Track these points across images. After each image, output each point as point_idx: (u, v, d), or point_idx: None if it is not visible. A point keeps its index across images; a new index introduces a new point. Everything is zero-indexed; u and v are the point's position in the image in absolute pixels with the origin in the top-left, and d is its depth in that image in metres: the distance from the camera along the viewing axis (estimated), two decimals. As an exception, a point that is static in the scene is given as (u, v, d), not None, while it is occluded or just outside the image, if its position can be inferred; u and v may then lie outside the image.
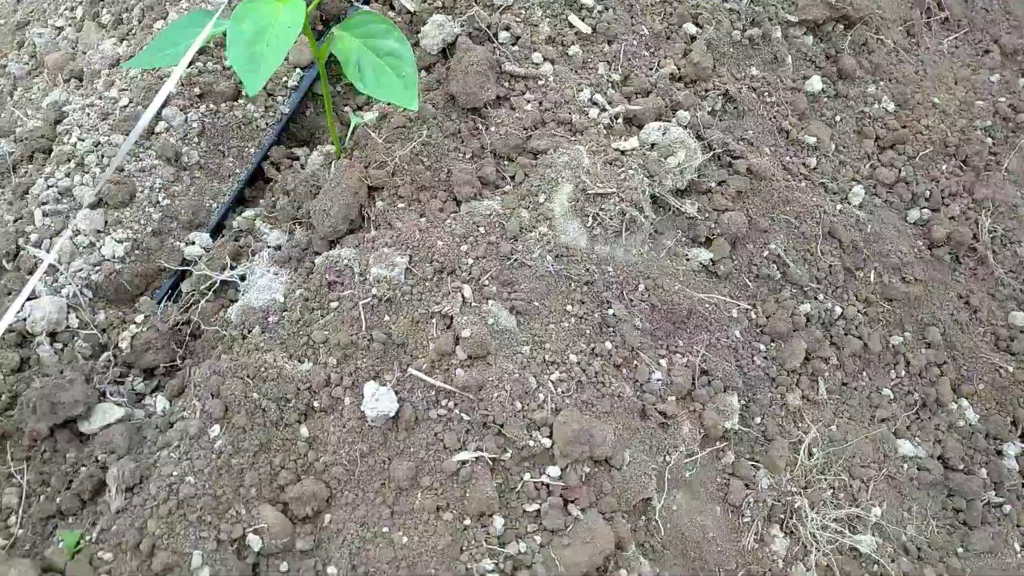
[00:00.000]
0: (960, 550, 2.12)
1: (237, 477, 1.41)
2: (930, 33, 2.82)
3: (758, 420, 2.00)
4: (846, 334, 2.21)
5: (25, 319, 1.51)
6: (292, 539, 1.41)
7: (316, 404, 1.50)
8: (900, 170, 2.41)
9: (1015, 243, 2.55)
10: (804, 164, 2.28)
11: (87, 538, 1.35)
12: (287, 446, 1.47)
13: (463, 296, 1.60)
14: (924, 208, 2.42)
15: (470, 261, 1.64)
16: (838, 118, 2.40)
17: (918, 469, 2.17)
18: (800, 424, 2.05)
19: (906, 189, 2.41)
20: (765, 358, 2.06)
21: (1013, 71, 2.91)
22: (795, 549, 1.93)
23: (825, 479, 2.02)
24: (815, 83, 2.33)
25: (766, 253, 2.11)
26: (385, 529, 1.45)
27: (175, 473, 1.38)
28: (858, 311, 2.24)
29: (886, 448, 2.16)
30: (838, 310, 2.20)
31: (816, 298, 2.17)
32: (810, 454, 2.00)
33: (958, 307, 2.43)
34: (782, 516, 1.94)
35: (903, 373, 2.29)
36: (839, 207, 2.25)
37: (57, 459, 1.44)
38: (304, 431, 1.49)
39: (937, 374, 2.32)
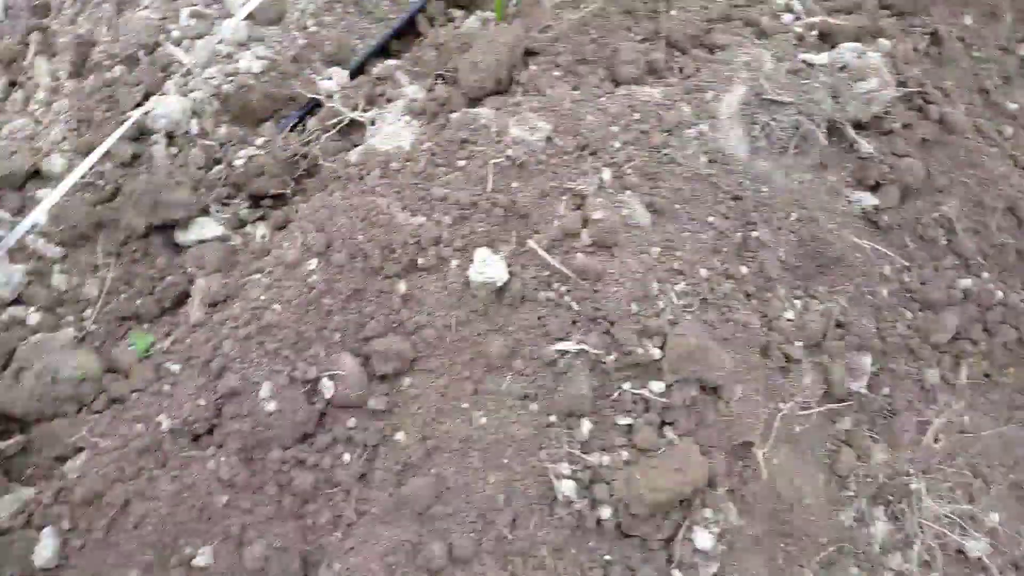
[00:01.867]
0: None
1: (324, 318, 1.18)
2: None
3: (887, 391, 1.64)
4: (1002, 322, 1.78)
5: (147, 114, 1.31)
6: (366, 395, 1.18)
7: (421, 261, 1.25)
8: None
9: None
10: (999, 131, 1.85)
11: (158, 346, 1.15)
12: (381, 298, 1.23)
13: (602, 179, 1.32)
14: None
15: (617, 144, 1.35)
16: (1048, 89, 1.92)
17: None
18: (933, 406, 1.67)
19: (1104, 179, 1.92)
20: (909, 327, 1.68)
21: None
22: (897, 536, 1.59)
23: (947, 470, 1.64)
24: (1031, 46, 1.86)
25: (936, 214, 1.72)
26: (465, 405, 1.20)
27: (263, 298, 1.16)
28: (1022, 300, 1.80)
29: (1018, 451, 1.74)
30: (999, 294, 1.78)
31: (979, 275, 1.76)
32: (936, 439, 1.63)
33: None
34: (890, 498, 1.59)
35: None
36: (1026, 182, 1.81)
37: (146, 262, 1.25)
38: (402, 286, 1.24)
39: None
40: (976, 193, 1.75)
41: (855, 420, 1.63)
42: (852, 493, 1.58)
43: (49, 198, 1.17)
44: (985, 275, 1.79)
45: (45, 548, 1.05)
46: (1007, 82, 1.87)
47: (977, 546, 1.65)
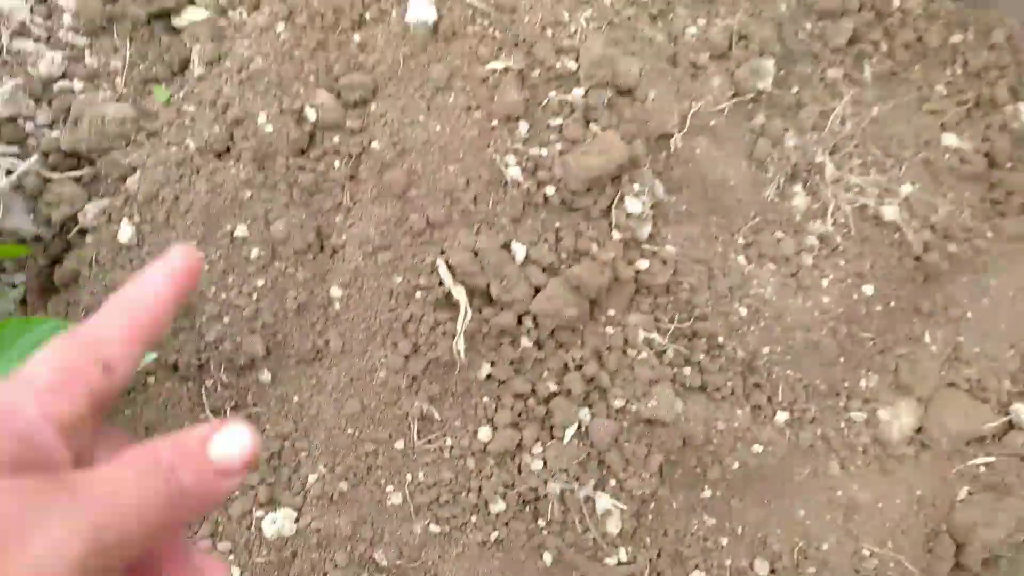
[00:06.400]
0: (989, 234, 2.08)
1: (298, 65, 1.57)
2: None
3: (795, 89, 1.99)
4: (902, 25, 2.11)
5: None
6: (343, 118, 1.57)
7: (368, 15, 1.62)
8: None
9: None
10: None
11: (175, 96, 1.55)
12: (341, 47, 1.61)
13: (505, -72, 1.65)
14: None
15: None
16: None
17: (960, 161, 2.09)
18: (838, 99, 2.02)
19: None
20: (810, 35, 2.02)
21: None
22: (815, 207, 1.96)
23: (855, 150, 2.00)
24: None
25: None
26: (421, 118, 1.59)
27: (246, 55, 1.55)
28: (918, 3, 2.12)
29: (928, 136, 2.09)
30: (896, 2, 2.09)
31: None
32: (843, 122, 1.98)
33: None
34: (805, 175, 1.96)
35: (959, 72, 2.16)
36: None
37: (153, 41, 1.64)
38: (357, 37, 1.62)
39: (997, 75, 2.18)
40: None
41: (767, 115, 1.97)
42: (771, 175, 1.93)
43: (66, 3, 1.58)
44: (878, -14, 2.11)
45: (124, 233, 1.49)
46: None
47: (890, 210, 2.03)
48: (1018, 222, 2.07)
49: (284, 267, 1.50)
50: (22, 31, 1.56)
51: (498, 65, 1.62)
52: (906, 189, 2.02)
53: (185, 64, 1.60)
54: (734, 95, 1.89)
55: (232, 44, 1.56)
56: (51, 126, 1.56)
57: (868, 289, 1.94)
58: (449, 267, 1.50)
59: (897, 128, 2.07)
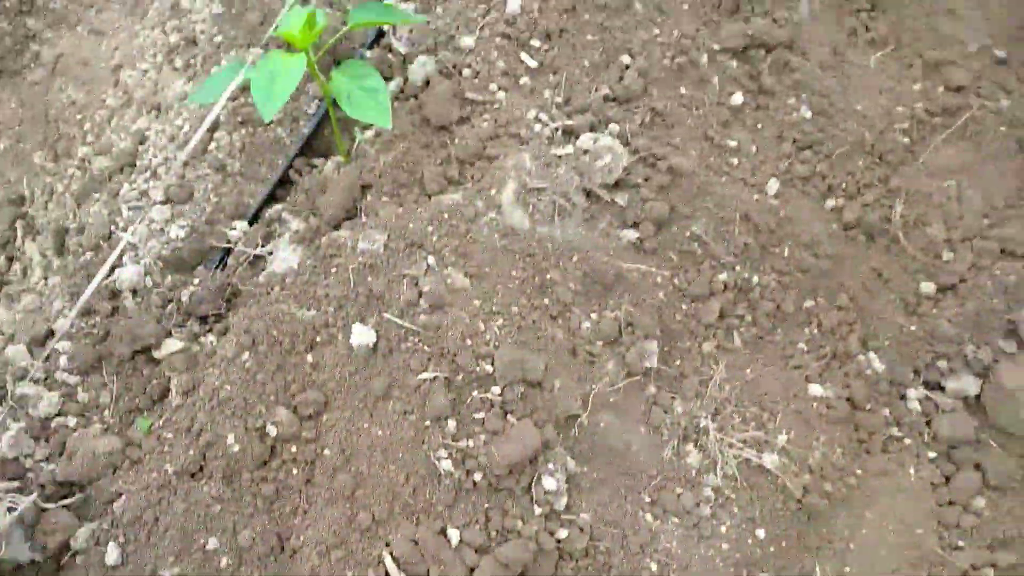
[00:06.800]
0: (859, 471, 2.40)
1: (260, 387, 1.87)
2: (857, 51, 3.10)
3: (678, 362, 2.36)
4: (761, 298, 2.51)
5: (114, 280, 2.03)
6: (299, 430, 1.87)
7: (318, 339, 1.96)
8: (816, 166, 2.71)
9: (926, 225, 2.79)
10: (726, 163, 2.60)
11: (155, 424, 1.83)
12: (297, 368, 1.93)
13: (428, 263, 2.04)
14: (840, 197, 2.68)
15: (435, 238, 2.08)
16: (759, 126, 2.71)
17: (827, 407, 2.42)
18: (715, 367, 2.40)
19: (822, 182, 2.70)
20: (686, 316, 2.41)
21: (934, 81, 3.14)
22: (706, 462, 2.28)
23: (735, 409, 2.35)
24: (738, 98, 2.67)
25: (688, 234, 2.42)
26: (366, 425, 1.89)
27: (217, 383, 1.85)
28: (773, 279, 2.52)
29: (796, 389, 2.43)
30: (755, 279, 2.50)
31: (734, 269, 2.46)
32: (721, 386, 2.35)
33: (870, 278, 2.62)
34: (695, 436, 2.29)
35: (815, 331, 2.53)
36: (755, 197, 2.59)
37: (137, 374, 1.94)
38: (309, 358, 1.95)
39: (847, 331, 2.57)
40: (716, 213, 2.49)
41: (657, 387, 2.31)
42: (666, 438, 2.25)
43: (60, 344, 1.88)
44: (738, 268, 2.54)
45: (111, 555, 1.70)
46: (726, 127, 2.68)
47: (771, 459, 2.35)
48: (882, 459, 2.41)
49: (250, 572, 1.73)
50: (24, 375, 1.86)
51: (427, 375, 1.95)
52: (782, 439, 2.35)
53: (164, 393, 1.90)
54: (627, 375, 2.25)
55: (204, 373, 1.87)
56: (48, 459, 1.81)
57: (760, 532, 2.23)
58: (394, 559, 1.75)
59: (768, 385, 2.43)
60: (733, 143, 2.60)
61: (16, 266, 2.38)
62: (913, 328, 2.58)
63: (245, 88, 2.37)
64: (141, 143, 2.35)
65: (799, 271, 2.55)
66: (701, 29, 2.66)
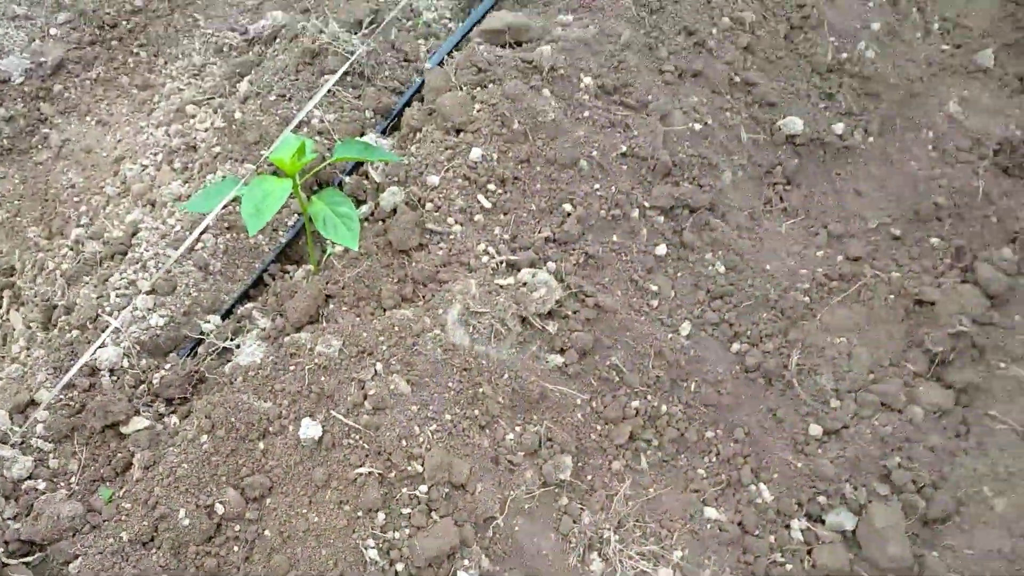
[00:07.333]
0: (745, 591, 2.67)
1: (214, 468, 2.11)
2: (771, 218, 3.54)
3: (589, 477, 2.64)
4: (668, 425, 2.82)
5: (96, 359, 2.26)
6: (244, 510, 2.09)
7: (271, 429, 2.21)
8: (725, 314, 3.08)
9: (818, 375, 3.16)
10: (647, 305, 2.95)
11: (116, 495, 2.04)
12: (249, 453, 2.17)
13: (376, 369, 2.33)
14: (744, 343, 3.05)
15: (384, 348, 2.37)
16: (678, 275, 3.07)
17: (720, 530, 2.68)
18: (621, 483, 2.69)
19: (729, 328, 3.06)
20: (600, 435, 2.71)
21: (835, 249, 3.55)
22: (608, 571, 2.53)
23: (636, 524, 2.63)
24: (662, 249, 3.05)
25: (608, 363, 2.73)
26: (304, 511, 2.13)
27: (175, 461, 2.08)
28: (679, 410, 2.84)
29: (693, 510, 2.71)
30: (663, 408, 2.81)
31: (645, 397, 2.78)
32: (625, 502, 2.63)
33: (766, 417, 2.94)
34: (599, 545, 2.56)
35: (714, 460, 2.82)
36: (670, 336, 2.94)
37: (104, 447, 2.16)
38: (261, 445, 2.19)
39: (742, 462, 2.88)
40: (633, 347, 2.82)
41: (569, 498, 2.59)
42: (573, 545, 2.50)
43: (40, 416, 2.09)
44: (649, 397, 2.86)
45: None
46: (650, 272, 3.05)
47: (665, 573, 2.62)
48: (766, 582, 2.70)
49: (187, 637, 1.93)
50: (4, 439, 2.06)
51: (364, 470, 2.21)
52: (677, 555, 2.61)
53: (128, 466, 2.12)
54: (543, 484, 2.52)
55: (165, 451, 2.10)
56: (15, 518, 2.00)
57: (652, 642, 2.48)
58: (317, 635, 1.96)
59: (668, 505, 2.71)
60: (654, 287, 2.96)
61: (-1, 336, 2.61)
62: (800, 465, 2.88)
63: (235, 198, 2.68)
64: (134, 234, 2.62)
65: (703, 405, 2.87)
66: (636, 188, 3.06)
